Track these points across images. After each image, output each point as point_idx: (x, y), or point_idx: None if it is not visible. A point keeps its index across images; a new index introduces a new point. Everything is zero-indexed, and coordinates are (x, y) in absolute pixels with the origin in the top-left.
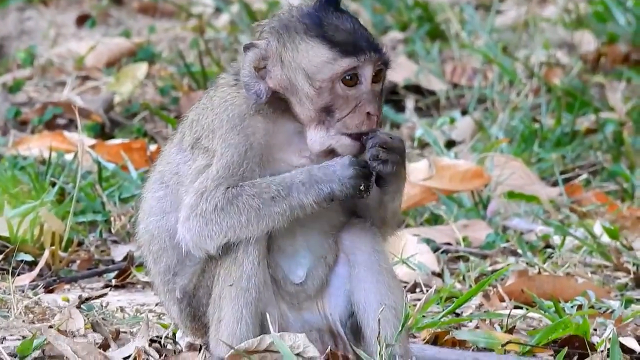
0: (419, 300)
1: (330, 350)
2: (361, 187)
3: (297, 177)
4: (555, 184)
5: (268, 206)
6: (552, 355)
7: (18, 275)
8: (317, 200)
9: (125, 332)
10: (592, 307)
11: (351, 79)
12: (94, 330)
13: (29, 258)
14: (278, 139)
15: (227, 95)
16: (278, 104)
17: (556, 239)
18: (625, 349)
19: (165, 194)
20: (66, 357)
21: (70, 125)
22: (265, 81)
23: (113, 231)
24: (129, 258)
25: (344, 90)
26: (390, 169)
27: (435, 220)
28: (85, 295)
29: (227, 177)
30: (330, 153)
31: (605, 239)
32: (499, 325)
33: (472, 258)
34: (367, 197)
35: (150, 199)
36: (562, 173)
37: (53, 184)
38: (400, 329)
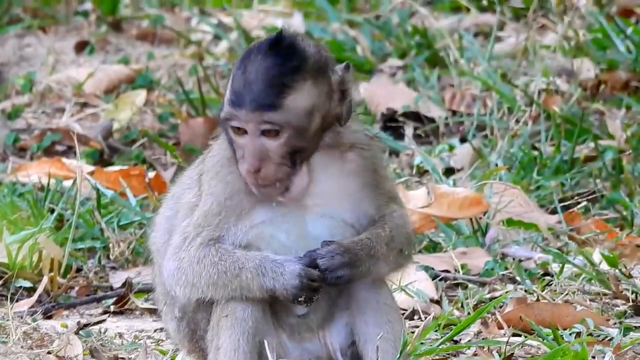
0: (417, 327)
1: None
2: (301, 299)
3: (250, 261)
4: (554, 212)
5: (222, 278)
6: None
7: (17, 301)
8: (260, 290)
9: (123, 358)
10: (590, 334)
11: (238, 128)
12: (92, 357)
13: (27, 284)
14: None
15: (221, 138)
16: None
17: (555, 267)
18: None
19: (171, 216)
20: None
21: (69, 151)
22: None
23: (112, 258)
24: (127, 284)
25: (234, 136)
26: (343, 282)
27: (433, 247)
28: (83, 321)
29: (205, 225)
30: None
31: (604, 266)
32: (497, 352)
33: (470, 285)
34: (307, 307)
35: (161, 214)
36: (561, 201)
37: (52, 211)
38: (398, 356)
